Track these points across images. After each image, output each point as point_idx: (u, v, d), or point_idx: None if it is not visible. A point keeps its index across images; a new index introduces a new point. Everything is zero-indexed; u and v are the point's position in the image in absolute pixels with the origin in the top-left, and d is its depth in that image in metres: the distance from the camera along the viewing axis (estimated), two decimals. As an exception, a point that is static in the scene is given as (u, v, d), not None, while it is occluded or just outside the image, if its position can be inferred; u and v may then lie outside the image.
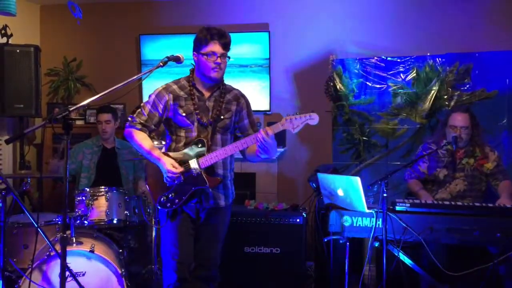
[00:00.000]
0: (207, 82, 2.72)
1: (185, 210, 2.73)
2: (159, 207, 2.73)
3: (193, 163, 2.63)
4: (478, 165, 3.47)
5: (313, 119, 2.49)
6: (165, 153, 2.69)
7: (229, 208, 2.87)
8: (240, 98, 2.82)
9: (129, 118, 2.77)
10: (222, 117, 2.72)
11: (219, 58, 2.62)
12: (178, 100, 2.71)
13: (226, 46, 2.64)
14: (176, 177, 2.61)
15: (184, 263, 2.72)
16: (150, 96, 2.77)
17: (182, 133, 2.72)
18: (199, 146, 2.65)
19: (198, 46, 2.67)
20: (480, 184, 3.49)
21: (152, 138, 2.88)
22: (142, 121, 2.72)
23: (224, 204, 2.79)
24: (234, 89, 2.85)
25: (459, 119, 3.46)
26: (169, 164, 2.59)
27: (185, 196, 2.65)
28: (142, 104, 2.78)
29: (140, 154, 4.31)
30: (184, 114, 2.69)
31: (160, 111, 2.72)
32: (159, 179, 2.68)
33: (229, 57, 2.70)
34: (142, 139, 2.70)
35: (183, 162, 2.64)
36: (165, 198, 2.68)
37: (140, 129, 2.71)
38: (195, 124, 2.70)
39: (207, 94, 2.74)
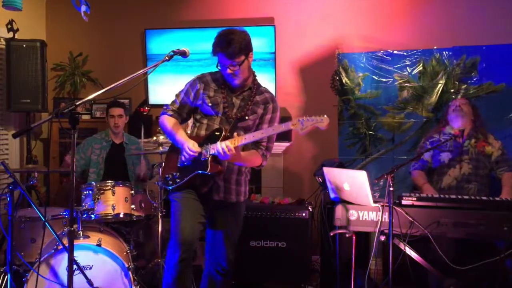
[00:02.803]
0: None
1: (194, 195, 2.73)
2: (164, 185, 2.80)
3: (204, 149, 2.65)
4: (480, 146, 3.49)
5: (323, 122, 2.45)
6: (190, 136, 2.75)
7: (241, 206, 2.87)
8: (269, 102, 2.79)
9: (164, 107, 2.86)
10: (246, 117, 2.72)
11: (228, 69, 2.63)
12: (207, 90, 2.75)
13: (232, 56, 2.58)
14: (191, 156, 2.64)
15: (186, 239, 2.66)
16: (185, 85, 2.84)
17: (205, 121, 2.77)
18: (216, 133, 2.67)
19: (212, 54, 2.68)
20: (485, 169, 3.51)
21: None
22: (174, 109, 2.81)
23: (235, 200, 2.79)
24: (267, 92, 2.83)
25: (460, 100, 3.73)
26: (191, 144, 2.64)
27: (186, 177, 2.68)
28: (176, 93, 2.86)
29: (146, 149, 4.37)
30: (210, 104, 2.72)
31: (191, 99, 2.79)
32: (173, 160, 2.76)
33: (239, 64, 2.61)
34: (171, 124, 2.78)
35: (200, 146, 2.68)
36: (170, 175, 2.75)
37: (171, 115, 2.80)
38: (219, 115, 2.73)
39: (236, 91, 2.76)
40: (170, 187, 2.74)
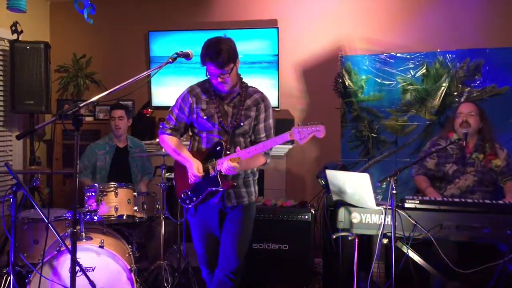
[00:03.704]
0: None
1: (207, 209, 2.82)
2: (181, 203, 2.86)
3: (211, 165, 2.72)
4: (487, 161, 3.46)
5: (319, 131, 2.50)
6: (191, 152, 2.81)
7: (252, 207, 2.90)
8: (260, 102, 2.82)
9: (160, 126, 2.90)
10: (242, 123, 2.75)
11: (218, 78, 2.65)
12: (200, 103, 2.78)
13: (221, 65, 2.60)
14: (196, 180, 2.74)
15: (209, 259, 2.90)
16: (177, 100, 2.86)
17: (204, 135, 2.80)
18: (218, 148, 2.72)
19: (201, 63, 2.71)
20: (490, 180, 3.48)
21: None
22: (171, 127, 2.84)
23: (248, 202, 2.84)
24: (256, 92, 2.85)
25: (465, 107, 3.55)
26: (195, 167, 2.71)
27: (201, 195, 2.75)
28: (170, 109, 2.88)
29: (149, 151, 4.38)
30: (205, 117, 2.75)
31: (187, 114, 2.81)
32: (184, 177, 2.80)
33: (229, 72, 2.64)
34: (173, 143, 2.82)
35: (204, 162, 2.74)
36: (185, 194, 2.82)
37: (170, 134, 2.84)
38: (216, 127, 2.76)
39: (227, 98, 2.78)
40: (188, 206, 2.83)
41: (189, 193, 2.80)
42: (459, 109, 3.58)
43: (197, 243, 2.91)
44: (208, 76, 2.70)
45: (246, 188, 2.83)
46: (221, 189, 2.70)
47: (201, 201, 2.78)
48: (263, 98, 2.84)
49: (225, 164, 2.61)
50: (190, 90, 2.83)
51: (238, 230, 2.82)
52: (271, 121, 2.86)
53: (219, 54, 2.58)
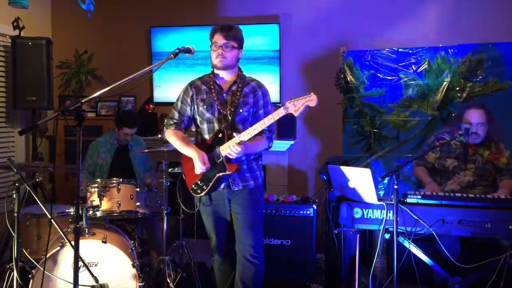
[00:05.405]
0: (221, 77, 2.91)
1: (218, 196, 2.94)
2: (192, 194, 2.97)
3: (215, 153, 2.83)
4: (493, 158, 3.43)
5: (312, 100, 2.64)
6: (196, 144, 2.93)
7: (260, 190, 2.99)
8: (257, 89, 2.94)
9: (165, 121, 3.05)
10: (240, 110, 2.86)
11: (220, 48, 2.81)
12: (200, 94, 2.92)
13: (228, 37, 2.80)
14: (204, 170, 2.84)
15: (219, 245, 3.04)
16: (179, 95, 3.00)
17: (205, 125, 2.92)
18: (220, 135, 2.83)
19: (209, 40, 2.89)
20: (490, 176, 3.47)
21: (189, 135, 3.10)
22: (175, 121, 2.98)
23: (254, 185, 2.93)
24: (253, 80, 2.98)
25: (475, 116, 3.42)
26: (200, 159, 2.81)
27: (210, 182, 2.85)
28: (173, 105, 3.00)
29: (149, 147, 4.38)
30: (205, 106, 2.89)
31: (189, 106, 2.95)
32: (192, 169, 2.89)
33: (232, 47, 2.82)
34: (177, 137, 2.94)
35: (208, 151, 2.85)
36: (195, 185, 2.92)
37: (174, 129, 2.96)
38: (216, 115, 2.87)
39: (225, 87, 2.91)
40: (200, 195, 2.93)
41: (199, 183, 2.90)
42: (468, 116, 3.43)
43: (210, 229, 3.02)
44: (212, 48, 2.83)
45: (251, 172, 2.94)
46: (229, 172, 2.79)
47: (211, 188, 2.87)
48: (260, 85, 2.97)
49: (228, 148, 2.72)
50: (191, 83, 2.98)
51: (247, 212, 2.90)
52: (270, 107, 2.97)
53: (231, 28, 2.83)
